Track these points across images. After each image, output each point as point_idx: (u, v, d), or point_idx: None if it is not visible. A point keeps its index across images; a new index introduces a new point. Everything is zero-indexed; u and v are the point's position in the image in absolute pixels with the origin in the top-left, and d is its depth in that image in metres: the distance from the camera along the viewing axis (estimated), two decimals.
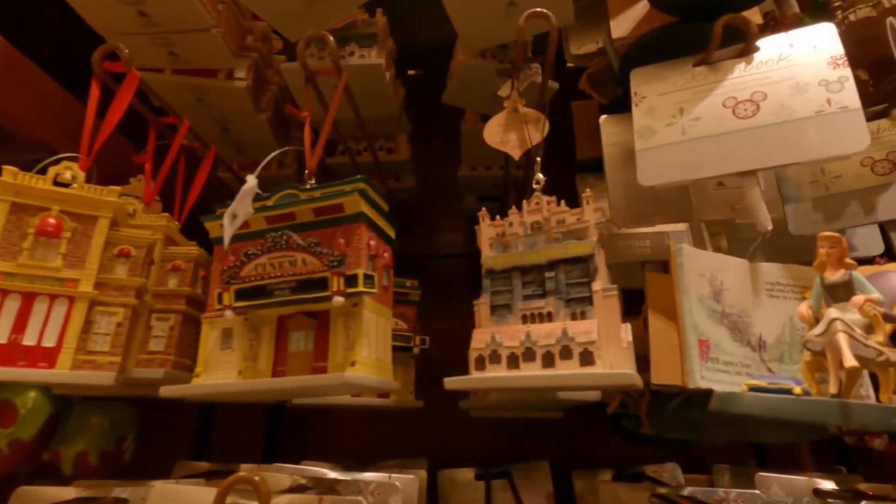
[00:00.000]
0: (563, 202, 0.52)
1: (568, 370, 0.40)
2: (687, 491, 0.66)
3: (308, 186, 0.53)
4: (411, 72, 1.33)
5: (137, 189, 0.74)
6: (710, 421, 0.42)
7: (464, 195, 1.12)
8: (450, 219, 1.22)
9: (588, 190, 0.50)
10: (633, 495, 0.70)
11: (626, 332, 0.45)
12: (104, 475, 0.78)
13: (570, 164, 0.93)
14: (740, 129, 0.52)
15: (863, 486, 0.68)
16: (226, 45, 0.75)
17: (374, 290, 0.45)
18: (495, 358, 0.43)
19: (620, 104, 0.74)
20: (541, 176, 0.55)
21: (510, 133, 0.61)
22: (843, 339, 0.36)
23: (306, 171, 0.56)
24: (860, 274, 0.41)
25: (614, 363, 0.43)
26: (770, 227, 0.50)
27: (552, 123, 0.99)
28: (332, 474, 0.67)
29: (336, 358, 0.45)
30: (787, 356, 0.47)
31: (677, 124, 0.56)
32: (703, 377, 0.43)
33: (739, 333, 0.46)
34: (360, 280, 0.43)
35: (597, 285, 0.45)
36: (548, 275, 0.47)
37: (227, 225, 0.46)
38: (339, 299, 0.43)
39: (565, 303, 0.45)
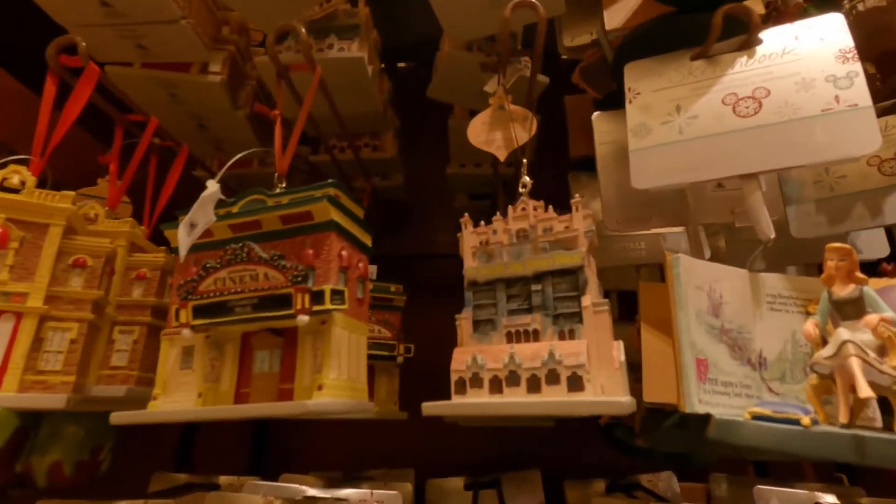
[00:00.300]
0: (550, 208, 0.48)
1: (555, 397, 0.36)
2: None
3: (277, 191, 0.50)
4: (401, 64, 1.28)
5: (106, 191, 0.70)
6: (708, 441, 0.39)
7: (454, 193, 1.08)
8: (442, 218, 1.18)
9: (577, 195, 0.47)
10: None
11: (618, 350, 0.41)
12: (80, 486, 0.76)
13: (564, 161, 0.90)
14: (741, 129, 0.49)
15: (865, 501, 0.65)
16: (197, 37, 0.70)
17: (344, 307, 0.42)
18: (476, 381, 0.40)
19: (615, 99, 0.70)
20: (527, 179, 0.51)
21: (495, 132, 0.57)
22: (856, 365, 0.33)
23: (276, 175, 0.52)
24: (871, 290, 0.37)
25: (606, 386, 0.40)
26: (772, 236, 0.46)
27: (545, 119, 0.95)
28: (312, 491, 0.64)
29: (303, 380, 0.42)
30: (788, 375, 0.44)
31: (674, 123, 0.52)
32: (702, 400, 0.39)
33: (739, 351, 0.43)
34: (328, 296, 0.40)
35: (586, 300, 0.41)
36: (534, 288, 0.44)
37: (182, 235, 0.42)
38: (303, 318, 0.39)
39: (553, 319, 0.42)
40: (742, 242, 0.79)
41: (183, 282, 0.43)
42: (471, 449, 0.95)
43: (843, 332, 0.35)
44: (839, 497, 0.65)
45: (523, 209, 0.48)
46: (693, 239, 0.60)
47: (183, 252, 0.42)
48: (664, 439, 0.60)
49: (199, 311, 0.42)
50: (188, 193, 0.74)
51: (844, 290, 0.38)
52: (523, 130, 0.55)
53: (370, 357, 0.74)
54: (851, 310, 0.37)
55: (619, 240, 0.80)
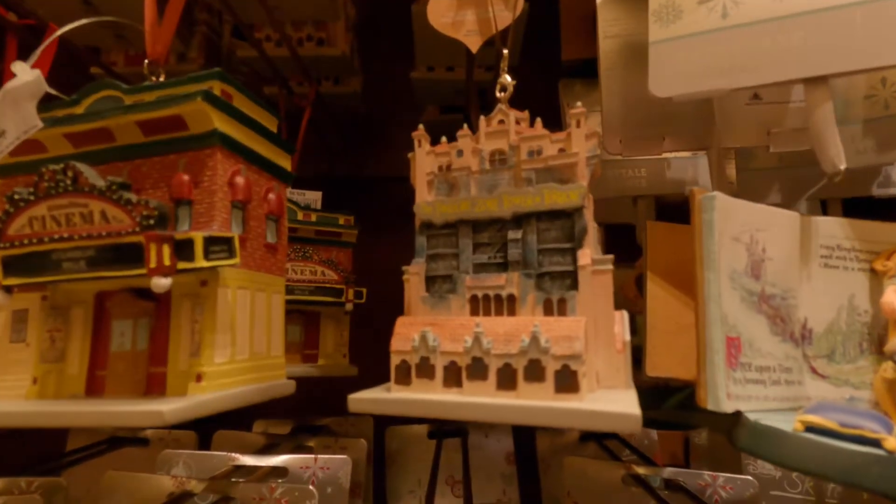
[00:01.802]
0: (538, 122, 0.34)
1: (536, 399, 0.25)
2: (667, 472, 0.57)
3: (146, 85, 0.34)
4: None
5: None
6: (736, 445, 0.29)
7: (422, 104, 0.91)
8: (408, 133, 1.01)
9: (579, 104, 0.33)
10: (603, 474, 0.60)
11: (621, 325, 0.30)
12: None
13: (553, 68, 0.74)
14: (811, 10, 0.34)
15: None
16: None
17: (232, 261, 0.28)
18: (426, 368, 0.28)
19: None
20: (508, 79, 0.36)
21: (466, 11, 0.41)
22: None
23: (147, 62, 0.36)
24: None
25: (603, 374, 0.29)
26: (843, 167, 0.33)
27: (531, 13, 0.77)
28: (243, 459, 0.55)
29: (179, 363, 0.29)
30: (839, 353, 0.33)
31: (716, 2, 0.38)
32: (731, 394, 0.29)
33: (782, 323, 0.32)
34: (199, 248, 0.26)
35: (584, 256, 0.29)
36: (512, 235, 0.31)
37: None
38: (160, 282, 0.25)
39: (536, 281, 0.29)
40: (754, 172, 0.66)
41: None
42: (413, 416, 0.87)
43: None
44: None
45: (501, 122, 0.34)
46: (716, 167, 0.47)
47: None
48: (665, 416, 0.51)
49: (10, 266, 0.28)
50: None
51: None
52: (505, 8, 0.39)
53: (314, 303, 0.64)
54: None
55: (614, 164, 0.67)
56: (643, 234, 0.57)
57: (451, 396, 0.27)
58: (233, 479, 0.46)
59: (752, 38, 0.35)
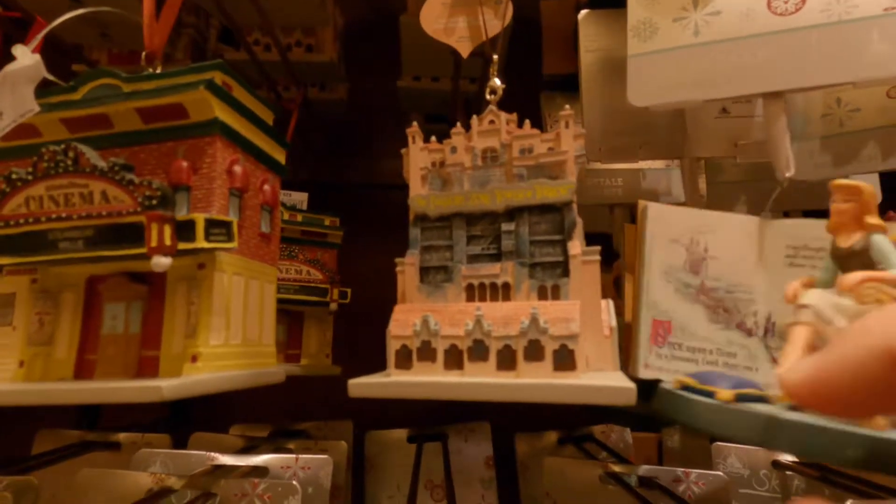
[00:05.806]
0: (527, 122, 0.36)
1: (536, 377, 0.26)
2: (642, 470, 0.59)
3: (145, 74, 0.34)
4: None
5: None
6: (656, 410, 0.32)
7: (407, 112, 0.93)
8: (395, 140, 1.03)
9: (567, 106, 0.35)
10: (581, 473, 0.62)
11: (607, 312, 0.31)
12: None
13: (534, 82, 0.76)
14: (775, 31, 0.38)
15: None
16: None
17: (230, 244, 0.29)
18: (427, 352, 0.29)
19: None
20: (497, 82, 0.38)
21: (458, 18, 0.43)
22: (797, 334, 0.24)
23: (144, 53, 0.36)
24: (884, 239, 0.28)
25: (592, 359, 0.30)
26: (792, 174, 0.37)
27: (516, 27, 0.80)
28: (223, 459, 0.54)
29: (172, 346, 0.29)
30: None
31: (689, 20, 0.41)
32: (649, 365, 0.32)
33: (725, 314, 0.35)
34: (200, 229, 0.26)
35: (574, 246, 0.30)
36: (505, 227, 0.32)
37: None
38: (161, 261, 0.26)
39: (529, 270, 0.31)
40: (722, 184, 0.70)
41: None
42: (416, 399, 0.87)
43: (813, 294, 0.27)
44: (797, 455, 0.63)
45: (492, 122, 0.36)
46: (688, 175, 0.50)
47: None
48: (644, 410, 0.54)
49: (4, 245, 0.27)
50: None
51: (849, 240, 0.29)
52: (495, 17, 0.41)
53: (298, 303, 0.64)
54: (857, 264, 0.28)
55: (593, 174, 0.69)
56: (620, 238, 0.59)
57: (454, 378, 0.28)
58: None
59: (721, 54, 0.39)
